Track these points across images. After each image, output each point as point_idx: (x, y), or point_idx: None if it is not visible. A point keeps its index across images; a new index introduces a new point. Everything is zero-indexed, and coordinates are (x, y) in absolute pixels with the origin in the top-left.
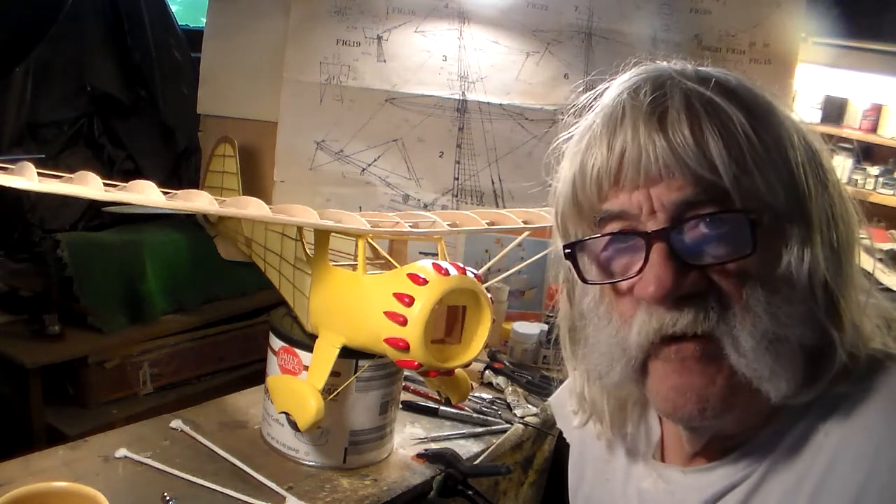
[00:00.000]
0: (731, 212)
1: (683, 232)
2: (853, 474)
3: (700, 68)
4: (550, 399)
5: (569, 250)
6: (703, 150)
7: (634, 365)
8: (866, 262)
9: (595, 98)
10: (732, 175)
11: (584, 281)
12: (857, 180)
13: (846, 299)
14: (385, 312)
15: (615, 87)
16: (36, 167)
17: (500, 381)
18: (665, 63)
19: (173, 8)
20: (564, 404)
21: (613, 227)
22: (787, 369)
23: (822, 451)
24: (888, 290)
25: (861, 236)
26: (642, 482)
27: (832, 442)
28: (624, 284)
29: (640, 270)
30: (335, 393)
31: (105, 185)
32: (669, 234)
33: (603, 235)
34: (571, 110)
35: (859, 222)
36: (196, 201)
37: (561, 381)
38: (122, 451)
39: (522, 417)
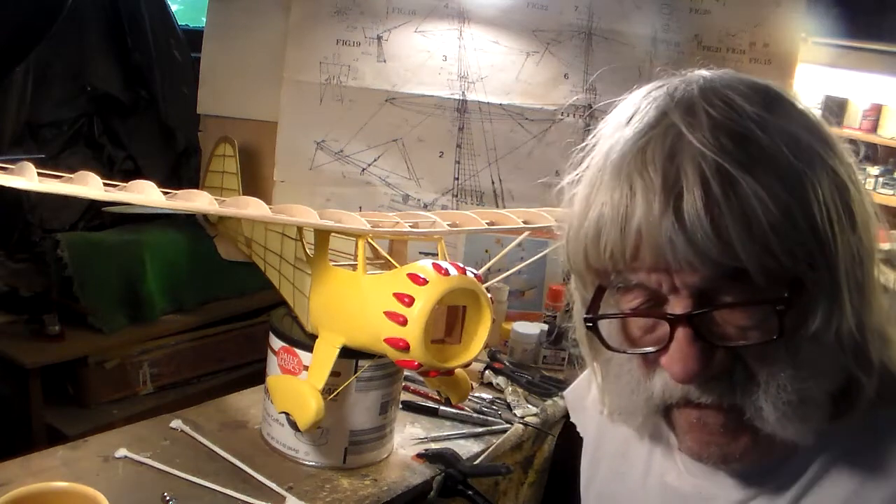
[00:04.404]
0: (757, 303)
1: (708, 315)
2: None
3: (711, 107)
4: (566, 392)
5: (590, 324)
6: (725, 240)
7: (658, 414)
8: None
9: (597, 137)
10: (757, 261)
11: (609, 348)
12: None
13: (871, 332)
14: (385, 312)
15: (619, 136)
16: (36, 167)
17: (500, 381)
18: (668, 95)
19: (173, 8)
20: (581, 397)
21: (634, 297)
22: (811, 424)
23: (869, 459)
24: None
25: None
26: (666, 476)
27: (879, 453)
28: (650, 353)
29: (666, 347)
30: (335, 393)
31: (105, 185)
32: (693, 318)
33: (625, 315)
34: (576, 150)
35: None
36: (196, 201)
37: (564, 381)
38: (122, 451)
39: (522, 417)
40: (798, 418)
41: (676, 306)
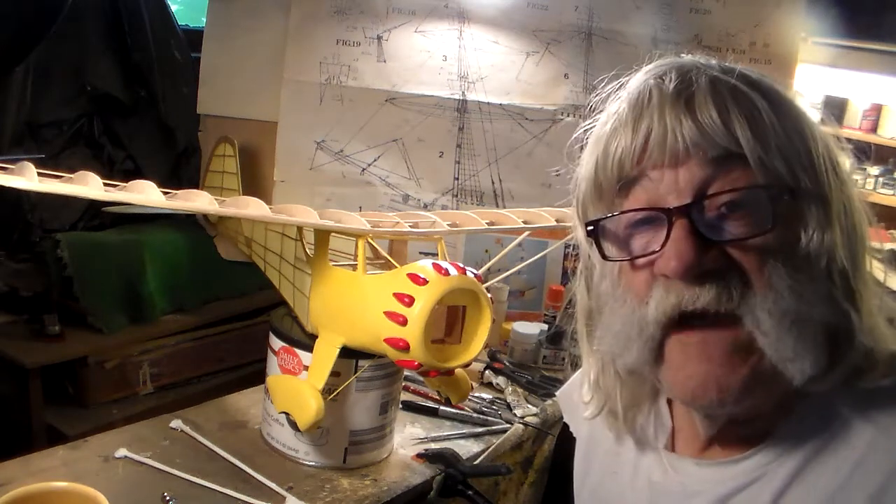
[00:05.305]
0: (752, 188)
1: (705, 209)
2: (878, 473)
3: (722, 62)
4: (558, 392)
5: (591, 228)
6: (729, 128)
7: (651, 345)
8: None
9: (619, 87)
10: (757, 155)
11: (606, 258)
12: (856, 180)
13: (861, 290)
14: (385, 312)
15: (640, 75)
16: (36, 167)
17: (500, 381)
18: (689, 55)
19: (173, 8)
20: (573, 397)
21: (635, 197)
22: (810, 350)
23: (854, 451)
24: (891, 291)
25: (871, 244)
26: (653, 474)
27: (864, 443)
28: (643, 261)
29: (662, 247)
30: (335, 393)
31: (105, 185)
32: (691, 210)
33: (624, 212)
34: (595, 100)
35: (869, 223)
36: (196, 201)
37: (564, 381)
38: (122, 451)
39: (522, 417)
40: (795, 335)
41: (674, 201)
